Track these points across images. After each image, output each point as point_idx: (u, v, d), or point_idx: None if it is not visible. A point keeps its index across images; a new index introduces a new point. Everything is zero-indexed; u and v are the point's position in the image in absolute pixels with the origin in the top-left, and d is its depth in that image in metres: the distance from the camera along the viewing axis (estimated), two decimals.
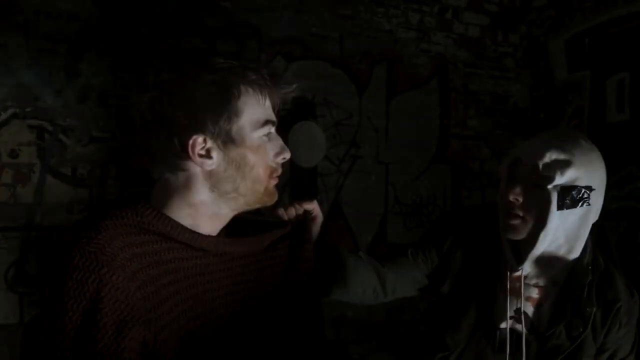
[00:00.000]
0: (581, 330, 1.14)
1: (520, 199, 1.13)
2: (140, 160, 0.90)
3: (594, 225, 1.18)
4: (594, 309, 1.14)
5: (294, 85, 0.92)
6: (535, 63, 3.09)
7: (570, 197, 1.11)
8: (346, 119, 2.65)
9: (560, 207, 1.11)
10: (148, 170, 0.90)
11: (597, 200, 1.14)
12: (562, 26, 2.88)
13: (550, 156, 1.10)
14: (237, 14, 2.37)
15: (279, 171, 0.93)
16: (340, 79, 2.63)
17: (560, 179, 1.09)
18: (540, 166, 1.10)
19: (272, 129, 0.91)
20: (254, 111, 0.87)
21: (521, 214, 1.14)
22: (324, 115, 2.58)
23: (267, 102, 0.89)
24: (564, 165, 1.10)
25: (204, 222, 0.88)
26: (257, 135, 0.88)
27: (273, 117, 0.90)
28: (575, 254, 1.18)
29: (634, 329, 1.20)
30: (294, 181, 2.51)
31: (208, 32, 2.31)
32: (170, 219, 0.83)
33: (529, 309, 1.20)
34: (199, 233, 0.86)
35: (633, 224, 2.43)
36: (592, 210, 1.14)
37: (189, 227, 0.85)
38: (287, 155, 0.92)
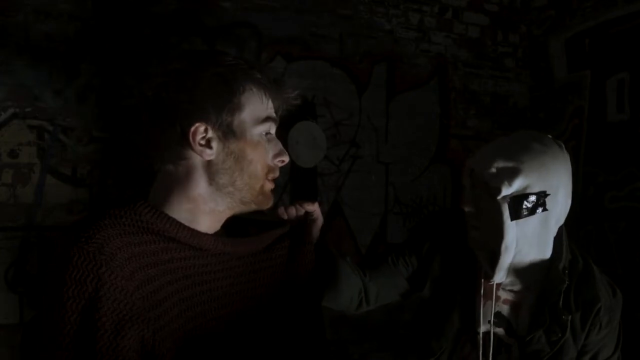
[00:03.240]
0: (560, 335, 1.12)
1: (474, 210, 1.10)
2: (141, 157, 0.90)
3: (576, 228, 1.15)
4: (570, 317, 1.11)
5: (297, 92, 0.94)
6: (535, 63, 3.09)
7: (523, 206, 1.05)
8: (346, 119, 2.65)
9: (513, 218, 1.06)
10: (148, 170, 0.91)
11: (555, 204, 1.09)
12: (562, 26, 2.88)
13: (496, 165, 1.06)
14: (237, 14, 2.37)
15: (277, 173, 0.94)
16: (340, 79, 2.62)
17: (508, 189, 1.05)
18: (487, 177, 1.06)
19: (273, 128, 0.93)
20: (256, 108, 0.89)
21: (478, 225, 1.12)
22: (324, 115, 2.58)
23: (270, 103, 0.91)
24: (511, 174, 1.05)
25: (202, 218, 0.89)
26: (258, 131, 0.89)
27: (274, 116, 0.92)
28: (545, 256, 1.14)
29: (617, 328, 1.18)
30: (294, 181, 2.51)
31: (208, 32, 2.31)
32: (169, 217, 0.84)
33: (507, 312, 1.19)
34: (197, 230, 0.86)
35: (633, 224, 2.43)
36: (551, 214, 1.10)
37: (187, 223, 0.86)
38: (286, 158, 0.94)
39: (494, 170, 1.06)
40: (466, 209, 1.12)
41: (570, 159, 1.14)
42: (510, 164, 1.06)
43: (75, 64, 2.08)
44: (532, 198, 1.06)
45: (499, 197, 1.06)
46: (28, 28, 2.00)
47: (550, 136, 1.15)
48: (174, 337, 0.78)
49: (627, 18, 2.51)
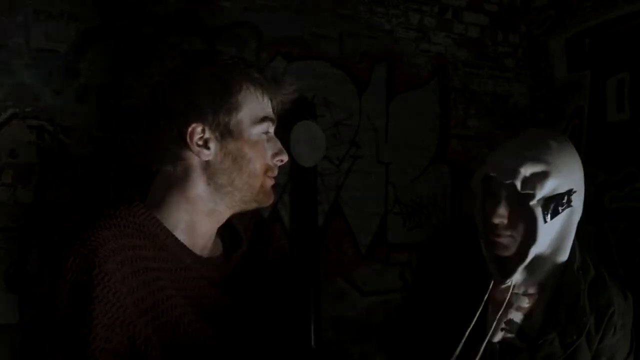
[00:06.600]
0: (575, 338, 1.11)
1: (506, 221, 1.09)
2: (140, 158, 0.90)
3: (579, 228, 1.14)
4: (591, 318, 1.11)
5: (294, 87, 0.94)
6: (535, 63, 3.09)
7: (554, 206, 1.07)
8: (346, 119, 2.64)
9: (546, 220, 1.08)
10: (148, 170, 0.91)
11: (578, 199, 1.12)
12: (562, 26, 2.88)
13: (526, 171, 1.06)
14: (237, 14, 2.37)
15: (275, 172, 0.94)
16: (340, 79, 2.62)
17: (541, 193, 1.05)
18: (519, 185, 1.06)
19: (271, 128, 0.92)
20: (253, 107, 0.89)
21: (509, 233, 1.11)
22: (324, 115, 2.58)
23: (267, 101, 0.91)
24: (541, 177, 1.05)
25: (201, 219, 0.89)
26: (256, 131, 0.89)
27: (272, 115, 0.92)
28: (563, 255, 1.14)
29: (630, 332, 1.17)
30: (293, 181, 2.51)
31: (208, 32, 2.31)
32: (160, 223, 0.84)
33: (519, 318, 1.18)
34: (183, 244, 0.86)
35: (633, 224, 2.43)
36: (575, 211, 1.12)
37: (186, 224, 0.86)
38: (285, 157, 0.94)
39: (524, 175, 1.06)
40: (496, 220, 1.09)
41: None
42: (538, 168, 1.06)
43: (75, 64, 2.08)
44: (562, 197, 1.07)
45: (532, 202, 1.06)
46: (28, 28, 2.00)
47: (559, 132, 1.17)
48: (165, 344, 0.78)
49: (627, 18, 2.51)
